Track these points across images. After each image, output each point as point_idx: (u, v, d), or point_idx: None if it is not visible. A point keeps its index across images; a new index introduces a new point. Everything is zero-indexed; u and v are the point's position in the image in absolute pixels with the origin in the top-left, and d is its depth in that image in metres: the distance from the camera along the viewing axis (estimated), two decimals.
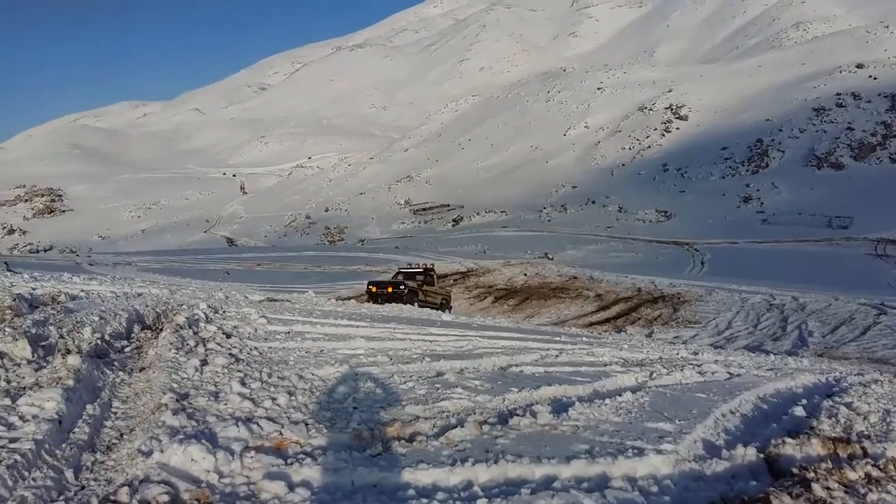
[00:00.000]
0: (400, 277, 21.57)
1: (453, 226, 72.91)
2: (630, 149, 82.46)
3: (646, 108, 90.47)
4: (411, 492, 3.18)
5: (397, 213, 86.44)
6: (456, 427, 4.09)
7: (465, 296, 24.05)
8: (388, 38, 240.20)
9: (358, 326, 8.70)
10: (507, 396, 5.04)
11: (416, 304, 18.04)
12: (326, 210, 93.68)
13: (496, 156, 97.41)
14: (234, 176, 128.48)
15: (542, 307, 21.26)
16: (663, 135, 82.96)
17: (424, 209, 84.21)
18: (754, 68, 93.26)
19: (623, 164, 79.08)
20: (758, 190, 63.12)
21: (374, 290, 19.09)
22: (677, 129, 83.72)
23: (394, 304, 17.77)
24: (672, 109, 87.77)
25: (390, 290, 18.76)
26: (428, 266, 22.54)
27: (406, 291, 18.87)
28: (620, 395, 5.20)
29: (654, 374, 6.58)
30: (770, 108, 76.98)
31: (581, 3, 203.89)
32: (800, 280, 24.95)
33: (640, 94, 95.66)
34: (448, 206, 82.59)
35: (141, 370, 5.44)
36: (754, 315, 17.71)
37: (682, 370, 7.00)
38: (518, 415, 4.44)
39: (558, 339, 9.72)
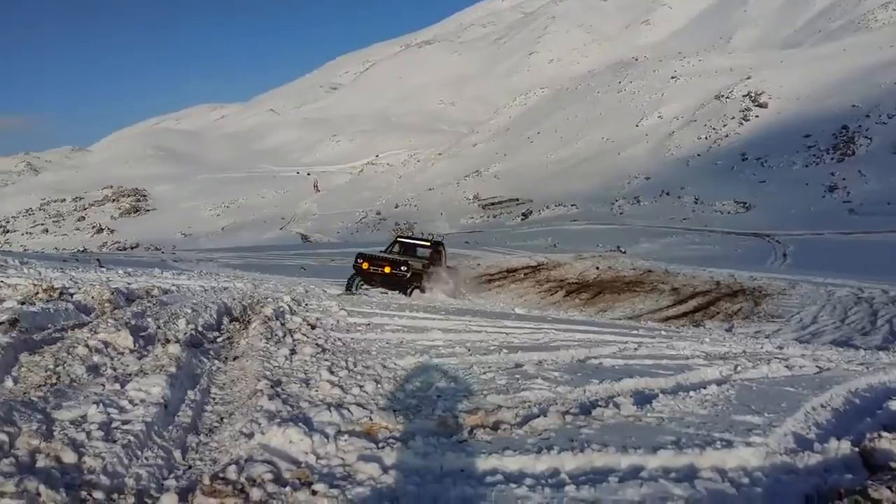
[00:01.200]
0: (397, 250, 16.83)
1: (522, 220, 72.53)
2: (706, 138, 79.84)
3: (723, 96, 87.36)
4: (499, 477, 3.26)
5: (466, 208, 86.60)
6: (539, 416, 4.15)
7: (535, 290, 23.94)
8: (455, 33, 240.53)
9: (434, 319, 8.84)
10: (588, 388, 5.05)
11: (413, 292, 14.58)
12: (396, 206, 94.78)
13: (566, 149, 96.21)
14: (308, 174, 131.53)
15: (615, 301, 20.93)
16: (741, 123, 79.91)
17: (493, 204, 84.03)
18: (839, 52, 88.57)
19: (699, 154, 76.68)
20: (844, 179, 60.01)
21: (365, 266, 14.60)
22: (756, 116, 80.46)
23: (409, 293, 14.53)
24: (751, 97, 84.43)
25: (388, 270, 14.51)
26: (436, 239, 17.73)
27: (409, 275, 14.53)
28: (705, 388, 5.13)
29: (739, 368, 6.43)
30: (857, 94, 72.97)
31: None
32: (890, 272, 23.66)
33: (717, 82, 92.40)
34: (517, 200, 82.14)
35: (234, 359, 5.73)
36: (841, 309, 16.91)
37: (767, 364, 6.81)
38: (600, 406, 4.45)
39: (636, 332, 9.60)
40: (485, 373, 5.52)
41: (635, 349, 7.32)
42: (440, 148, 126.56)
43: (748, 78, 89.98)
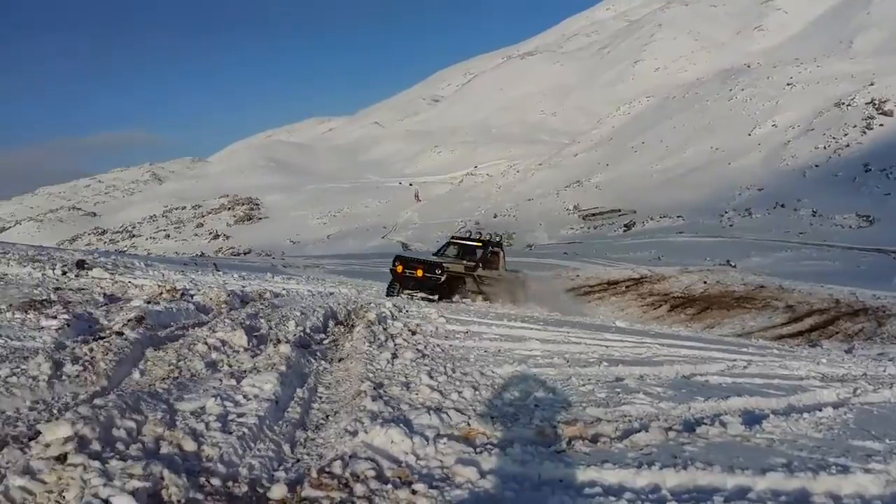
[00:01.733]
0: (451, 252, 15.76)
1: (625, 231, 70.75)
2: (825, 148, 75.08)
3: (843, 103, 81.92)
4: (598, 489, 3.22)
5: (566, 218, 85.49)
6: (640, 431, 4.06)
7: (638, 303, 23.31)
8: (558, 43, 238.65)
9: (532, 329, 8.80)
10: (693, 405, 4.89)
11: (457, 296, 13.73)
12: (495, 216, 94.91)
13: (672, 158, 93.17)
14: (409, 185, 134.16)
15: (723, 317, 20.06)
16: (864, 132, 74.58)
17: (594, 214, 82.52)
18: None
19: (816, 165, 72.20)
20: None
21: (399, 269, 13.96)
22: (881, 125, 74.85)
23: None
24: (874, 104, 78.65)
25: (420, 273, 13.54)
26: (491, 238, 16.11)
27: (443, 279, 13.44)
28: (820, 411, 4.84)
29: (859, 391, 6.02)
30: None
31: None
32: None
33: (836, 89, 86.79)
34: (619, 210, 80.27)
35: (339, 360, 5.96)
36: None
37: (890, 388, 6.33)
38: (706, 424, 4.30)
39: (745, 350, 9.16)
40: (584, 385, 5.45)
41: (744, 367, 7.00)
42: (540, 158, 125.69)
43: (871, 84, 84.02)
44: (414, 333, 7.27)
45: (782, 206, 64.53)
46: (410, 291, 13.68)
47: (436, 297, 13.34)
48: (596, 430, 4.15)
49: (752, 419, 4.43)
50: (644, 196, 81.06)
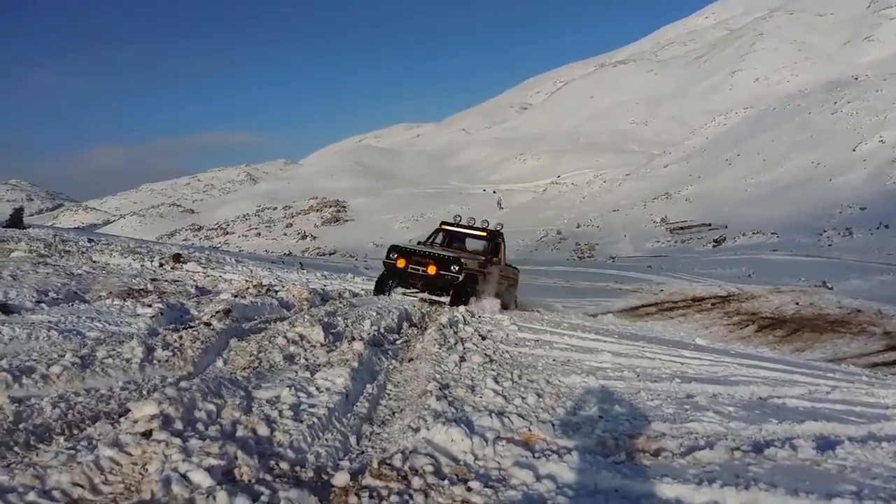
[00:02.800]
0: (440, 242, 13.36)
1: (714, 246, 68.30)
2: None
3: None
4: (655, 501, 3.22)
5: (652, 231, 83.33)
6: (704, 449, 4.00)
7: (723, 322, 22.47)
8: (653, 52, 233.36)
9: (605, 341, 8.72)
10: (765, 427, 4.75)
11: (468, 303, 11.17)
12: (578, 226, 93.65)
13: (768, 173, 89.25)
14: (493, 192, 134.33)
15: (814, 341, 19.07)
16: None
17: (682, 228, 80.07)
18: None
19: None
20: None
21: (400, 263, 11.47)
22: None
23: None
24: None
25: (432, 270, 11.21)
26: (496, 228, 13.65)
27: (461, 279, 11.26)
28: None
29: None
30: None
31: (881, 2, 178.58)
32: None
33: None
34: (709, 225, 77.58)
35: (410, 360, 6.14)
36: None
37: None
38: (775, 446, 4.18)
39: (831, 375, 8.74)
40: (652, 400, 5.39)
41: (827, 392, 6.70)
42: (629, 168, 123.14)
43: None
44: (484, 339, 7.37)
45: (886, 226, 60.66)
46: (410, 290, 11.60)
47: (446, 300, 11.22)
48: (659, 445, 4.12)
49: (825, 445, 4.27)
50: (736, 211, 78.04)
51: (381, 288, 11.71)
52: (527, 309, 13.94)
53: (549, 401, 4.98)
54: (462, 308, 10.06)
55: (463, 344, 6.86)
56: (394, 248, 11.83)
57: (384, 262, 11.78)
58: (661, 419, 4.75)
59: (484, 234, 13.24)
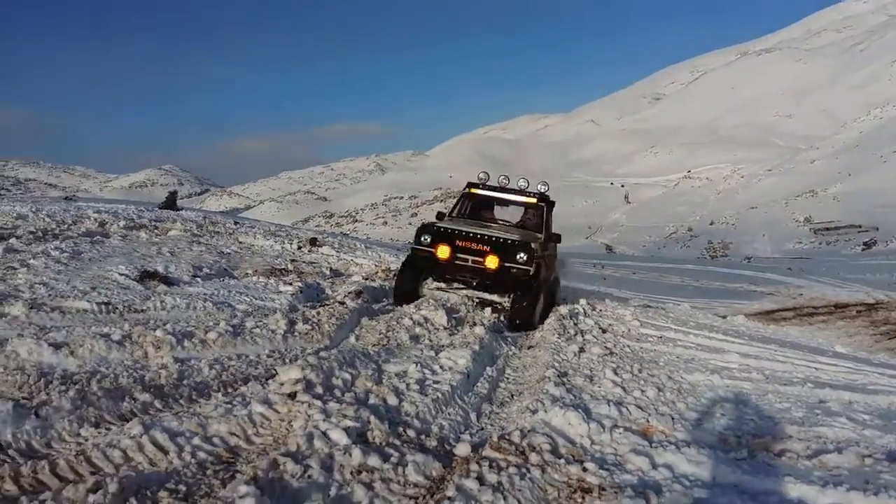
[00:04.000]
0: (463, 213, 9.55)
1: (863, 250, 62.94)
2: None
3: None
4: (775, 499, 3.19)
5: (794, 230, 78.03)
6: (833, 453, 3.87)
7: (869, 331, 20.74)
8: (802, 39, 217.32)
9: (733, 342, 8.41)
10: None
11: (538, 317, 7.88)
12: (711, 223, 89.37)
13: None
14: (622, 186, 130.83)
15: None
16: None
17: (828, 229, 74.38)
18: None
19: None
20: None
21: (444, 252, 7.91)
22: None
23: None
24: None
25: (493, 262, 7.77)
26: (544, 190, 9.50)
27: (531, 272, 7.79)
28: None
29: None
30: None
31: None
32: None
33: None
34: (859, 226, 71.55)
35: (529, 348, 6.29)
36: None
37: None
38: None
39: None
40: (780, 402, 5.21)
41: None
42: (770, 164, 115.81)
43: None
44: (604, 332, 7.36)
45: None
46: (451, 286, 8.30)
47: (506, 301, 8.16)
48: (784, 446, 4.02)
49: None
50: (890, 212, 71.40)
51: (406, 289, 8.03)
52: (650, 306, 13.60)
53: (670, 395, 4.96)
54: (583, 301, 9.17)
55: (583, 335, 6.90)
56: (428, 230, 8.09)
57: (414, 250, 8.12)
58: (789, 422, 4.61)
59: (534, 200, 9.34)
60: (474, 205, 9.62)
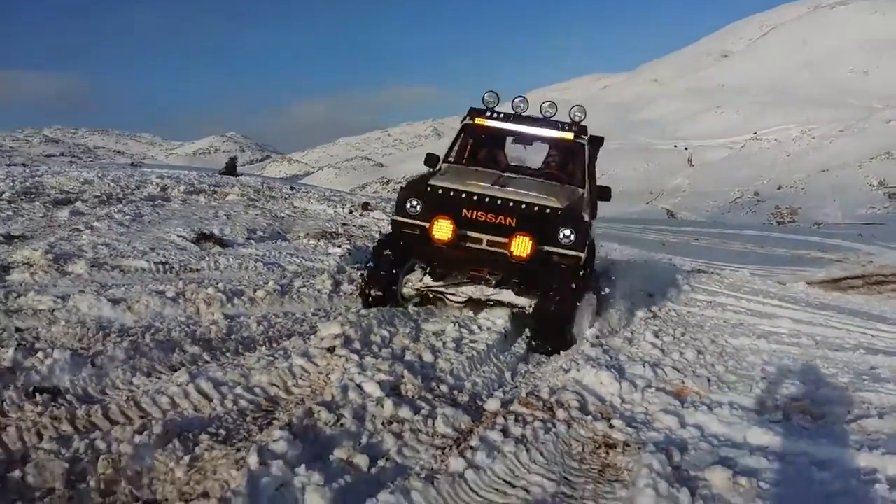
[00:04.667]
0: (461, 158, 6.46)
1: None
2: None
3: None
4: (804, 459, 3.18)
5: (867, 195, 74.54)
6: (874, 418, 3.80)
7: None
8: None
9: (787, 307, 8.24)
10: None
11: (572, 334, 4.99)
12: (779, 188, 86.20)
13: None
14: (685, 148, 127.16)
15: None
16: None
17: None
18: None
19: None
20: None
21: (446, 232, 5.00)
22: None
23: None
24: None
25: (523, 249, 4.89)
26: (579, 119, 6.13)
27: (583, 258, 5.15)
28: None
29: None
30: None
31: None
32: None
33: None
34: None
35: None
36: None
37: None
38: None
39: None
40: (827, 367, 5.12)
41: None
42: (843, 124, 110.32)
43: None
44: (651, 296, 7.31)
45: None
46: (448, 288, 5.43)
47: (527, 305, 5.19)
48: (823, 410, 3.97)
49: None
50: None
51: (378, 290, 5.19)
52: (703, 271, 13.33)
53: (710, 358, 4.93)
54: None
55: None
56: (417, 191, 5.37)
57: (396, 225, 5.44)
58: (832, 387, 4.54)
59: (569, 135, 6.08)
60: (479, 144, 6.56)
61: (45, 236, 6.49)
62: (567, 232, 4.99)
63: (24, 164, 15.90)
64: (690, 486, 2.69)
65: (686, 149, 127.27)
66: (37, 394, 2.89)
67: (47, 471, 2.27)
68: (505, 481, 2.66)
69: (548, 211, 5.04)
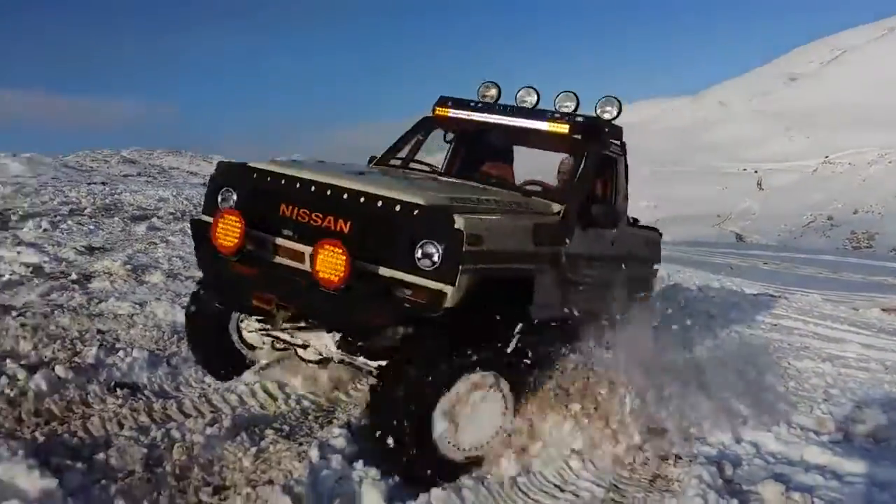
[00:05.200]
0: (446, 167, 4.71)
1: None
2: None
3: None
4: (860, 480, 3.13)
5: None
6: None
7: None
8: None
9: (858, 333, 7.97)
10: None
11: None
12: (855, 212, 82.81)
13: None
14: (755, 172, 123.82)
15: None
16: None
17: None
18: None
19: None
20: None
21: (232, 236, 2.94)
22: None
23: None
24: None
25: (327, 268, 2.67)
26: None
27: (448, 297, 2.71)
28: None
29: None
30: None
31: None
32: None
33: None
34: None
35: None
36: None
37: None
38: None
39: None
40: (894, 391, 4.97)
41: None
42: None
43: None
44: (712, 317, 7.20)
45: None
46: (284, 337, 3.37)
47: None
48: (887, 434, 3.88)
49: None
50: None
51: (202, 341, 3.63)
52: (772, 294, 12.94)
53: (770, 379, 4.85)
54: (694, 287, 9.34)
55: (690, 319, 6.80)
56: (233, 175, 3.43)
57: (197, 227, 3.44)
58: None
59: (564, 128, 4.07)
60: (455, 147, 4.91)
61: (124, 248, 6.93)
62: (429, 249, 2.75)
63: (103, 183, 16.81)
64: (741, 499, 2.71)
65: (756, 172, 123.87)
66: (117, 388, 3.13)
67: (128, 455, 2.47)
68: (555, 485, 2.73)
69: (398, 209, 2.87)
